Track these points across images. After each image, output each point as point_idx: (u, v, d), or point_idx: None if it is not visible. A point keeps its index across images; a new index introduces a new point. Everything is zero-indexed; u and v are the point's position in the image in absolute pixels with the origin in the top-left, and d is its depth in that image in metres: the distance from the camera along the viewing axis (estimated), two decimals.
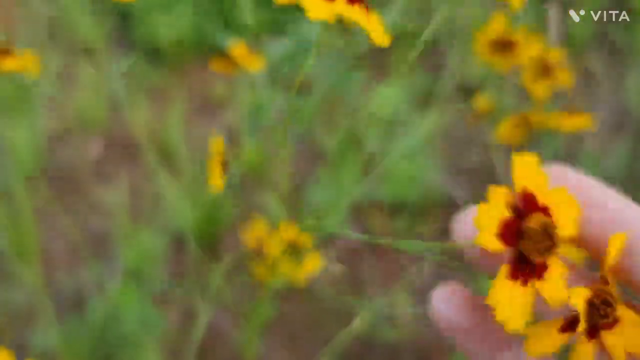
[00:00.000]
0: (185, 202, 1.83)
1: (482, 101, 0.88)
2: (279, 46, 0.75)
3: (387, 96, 0.79)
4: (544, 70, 0.80)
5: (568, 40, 1.50)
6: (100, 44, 2.57)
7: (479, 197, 0.23)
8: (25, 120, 2.09)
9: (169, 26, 2.50)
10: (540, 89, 0.80)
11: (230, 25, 2.75)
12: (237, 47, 0.68)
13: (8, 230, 1.14)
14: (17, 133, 1.99)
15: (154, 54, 2.67)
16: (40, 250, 1.09)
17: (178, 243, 1.83)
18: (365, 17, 0.26)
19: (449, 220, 0.27)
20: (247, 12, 0.73)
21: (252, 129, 0.73)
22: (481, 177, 1.37)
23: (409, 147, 0.85)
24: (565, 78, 0.82)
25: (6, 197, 1.59)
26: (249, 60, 0.67)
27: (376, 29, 0.27)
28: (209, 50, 2.69)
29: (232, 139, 2.25)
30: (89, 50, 2.60)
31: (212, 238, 1.78)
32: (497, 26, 0.74)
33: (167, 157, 2.11)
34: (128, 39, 2.47)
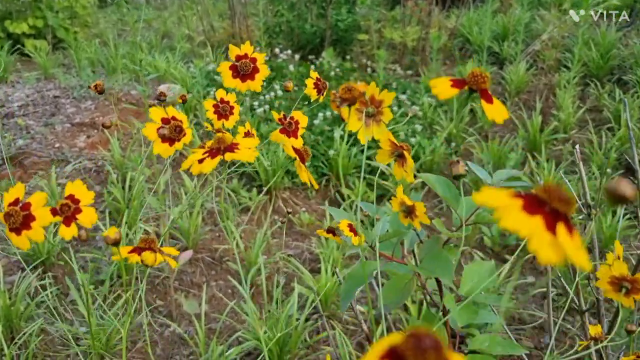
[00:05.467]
0: (261, 321, 1.90)
1: None
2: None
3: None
4: None
5: None
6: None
7: None
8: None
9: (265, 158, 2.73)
10: None
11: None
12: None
13: None
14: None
15: (250, 178, 2.89)
16: None
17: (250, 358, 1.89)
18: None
19: None
20: None
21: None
22: None
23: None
24: None
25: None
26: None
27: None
28: (299, 181, 2.89)
29: (312, 267, 2.35)
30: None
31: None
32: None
33: (248, 273, 2.22)
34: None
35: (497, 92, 4.19)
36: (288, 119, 0.82)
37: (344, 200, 2.81)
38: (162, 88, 3.00)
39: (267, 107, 3.33)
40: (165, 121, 0.68)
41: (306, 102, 3.49)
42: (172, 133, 0.66)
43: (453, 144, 3.34)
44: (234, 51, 0.79)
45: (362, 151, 2.98)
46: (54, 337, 1.97)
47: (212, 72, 3.86)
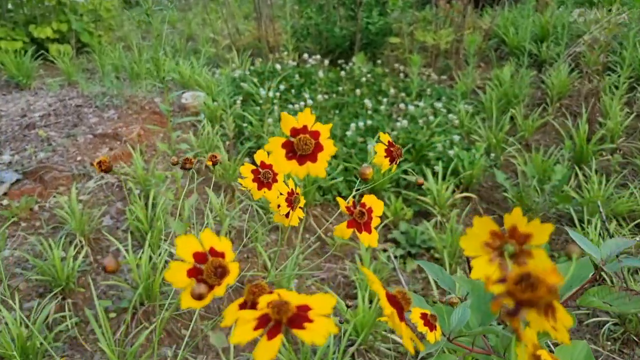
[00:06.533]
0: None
1: None
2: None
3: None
4: None
5: None
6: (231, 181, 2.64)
7: None
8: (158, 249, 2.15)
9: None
10: None
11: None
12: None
13: None
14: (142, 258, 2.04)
15: None
16: None
17: None
18: None
19: None
20: None
21: None
22: None
23: None
24: None
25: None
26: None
27: None
28: (331, 198, 2.73)
29: (347, 292, 2.19)
30: (219, 185, 2.71)
31: None
32: None
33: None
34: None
35: (537, 97, 3.97)
36: (359, 208, 0.66)
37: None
38: (187, 96, 2.84)
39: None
40: (199, 258, 0.45)
41: (337, 111, 3.33)
42: (210, 279, 0.43)
43: (492, 155, 3.15)
44: (288, 122, 0.56)
45: (399, 165, 2.80)
46: None
47: (238, 79, 3.72)
